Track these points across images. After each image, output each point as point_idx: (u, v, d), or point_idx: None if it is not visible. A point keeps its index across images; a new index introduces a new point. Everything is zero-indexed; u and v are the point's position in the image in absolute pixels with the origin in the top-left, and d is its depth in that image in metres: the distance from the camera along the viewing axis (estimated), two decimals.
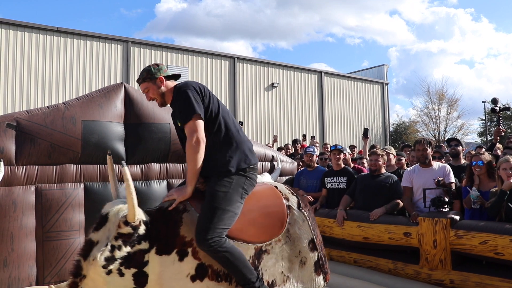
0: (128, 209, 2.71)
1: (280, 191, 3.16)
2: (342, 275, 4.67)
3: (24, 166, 4.29)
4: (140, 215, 2.77)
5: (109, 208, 2.85)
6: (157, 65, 3.19)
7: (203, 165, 2.88)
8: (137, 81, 3.20)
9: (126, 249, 2.68)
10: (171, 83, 3.17)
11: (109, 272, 2.63)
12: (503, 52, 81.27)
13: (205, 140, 2.84)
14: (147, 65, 3.06)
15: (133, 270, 2.69)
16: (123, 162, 2.79)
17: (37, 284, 4.27)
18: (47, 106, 4.54)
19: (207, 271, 2.77)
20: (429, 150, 4.99)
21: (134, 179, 4.86)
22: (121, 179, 4.79)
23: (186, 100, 2.86)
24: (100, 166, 4.70)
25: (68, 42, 16.70)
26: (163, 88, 3.11)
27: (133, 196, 2.67)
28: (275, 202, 3.03)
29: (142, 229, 2.74)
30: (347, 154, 6.96)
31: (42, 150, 4.32)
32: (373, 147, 6.39)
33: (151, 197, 4.92)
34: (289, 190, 3.22)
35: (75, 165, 4.56)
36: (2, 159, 4.04)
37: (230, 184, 2.89)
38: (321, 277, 3.08)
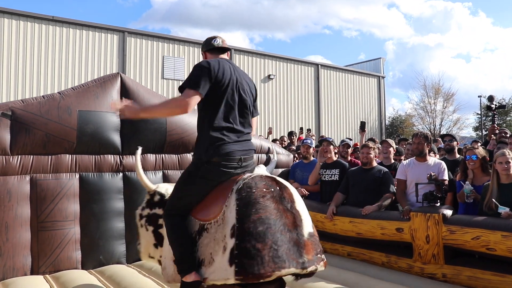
0: (141, 181, 3.64)
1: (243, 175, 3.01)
2: (336, 267, 4.69)
3: (19, 156, 4.28)
4: (158, 188, 3.58)
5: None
6: (207, 39, 3.24)
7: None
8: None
9: (147, 210, 3.55)
10: (211, 56, 3.20)
11: (141, 226, 3.57)
12: (500, 47, 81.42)
13: (187, 112, 2.88)
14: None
15: (151, 228, 3.51)
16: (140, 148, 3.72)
17: (32, 273, 4.28)
18: (43, 96, 4.53)
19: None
20: (425, 144, 5.00)
21: (130, 170, 4.88)
22: (120, 170, 4.80)
23: (196, 70, 2.91)
24: (96, 156, 4.70)
25: (64, 31, 16.57)
26: None
27: (141, 172, 3.65)
28: (228, 185, 2.93)
29: (156, 198, 3.54)
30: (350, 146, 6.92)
31: (37, 140, 4.31)
32: (372, 140, 6.40)
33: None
34: (249, 176, 2.95)
35: (70, 155, 4.56)
36: None
37: (198, 169, 2.97)
38: (232, 268, 2.63)
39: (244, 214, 2.72)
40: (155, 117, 2.99)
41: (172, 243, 3.02)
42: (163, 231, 3.24)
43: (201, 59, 3.26)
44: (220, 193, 2.95)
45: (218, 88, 2.92)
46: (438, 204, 4.45)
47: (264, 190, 2.82)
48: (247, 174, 2.96)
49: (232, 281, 2.64)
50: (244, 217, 2.71)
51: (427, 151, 5.05)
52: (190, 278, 2.88)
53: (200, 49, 3.27)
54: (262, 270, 2.56)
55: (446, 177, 4.90)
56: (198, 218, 3.00)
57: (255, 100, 3.27)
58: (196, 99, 2.84)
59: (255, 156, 5.91)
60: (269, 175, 3.13)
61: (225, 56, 3.22)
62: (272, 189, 2.85)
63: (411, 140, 6.40)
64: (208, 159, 2.92)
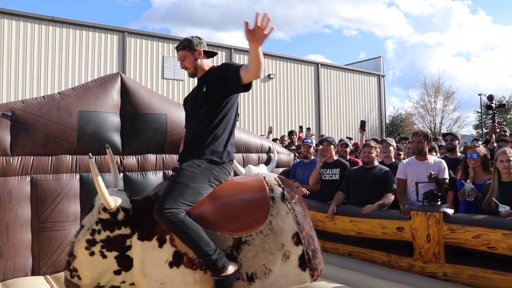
0: (100, 197, 2.82)
1: (266, 182, 3.07)
2: (336, 266, 4.69)
3: (20, 157, 4.27)
4: (120, 203, 2.88)
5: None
6: (199, 38, 3.25)
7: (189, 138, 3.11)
8: (176, 47, 3.25)
9: (106, 233, 2.85)
10: (207, 61, 3.25)
11: (92, 254, 2.85)
12: (500, 45, 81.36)
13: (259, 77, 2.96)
14: (189, 37, 3.15)
15: (115, 253, 2.86)
16: (90, 154, 2.88)
17: (32, 274, 4.27)
18: (43, 96, 4.52)
19: (183, 258, 2.82)
20: (425, 143, 5.00)
21: (130, 170, 4.87)
22: (121, 170, 4.80)
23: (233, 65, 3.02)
24: (96, 156, 4.69)
25: (64, 32, 16.57)
26: (199, 61, 3.19)
27: (101, 186, 2.74)
28: (259, 195, 2.96)
29: (121, 215, 2.87)
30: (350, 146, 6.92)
31: (37, 141, 4.31)
32: (374, 140, 6.39)
33: (147, 187, 4.91)
34: (277, 181, 3.08)
35: (70, 156, 4.55)
36: None
37: (200, 167, 2.95)
38: (306, 272, 2.90)
39: (302, 221, 2.96)
40: (258, 63, 2.86)
41: (195, 242, 2.75)
42: (132, 252, 2.87)
43: None
44: (243, 203, 2.96)
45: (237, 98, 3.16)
46: (439, 203, 4.45)
47: (296, 195, 3.07)
48: (271, 181, 3.09)
49: (308, 282, 2.93)
50: (303, 224, 2.95)
51: (427, 150, 5.05)
52: (233, 267, 2.80)
53: (193, 44, 3.16)
54: (321, 266, 3.01)
55: (446, 176, 4.89)
56: (228, 232, 2.86)
57: None
58: None
59: (255, 155, 5.93)
60: (278, 176, 3.19)
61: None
62: (293, 193, 3.10)
63: (411, 139, 6.41)
64: (223, 161, 3.03)
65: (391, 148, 6.05)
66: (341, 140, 6.85)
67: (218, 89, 3.02)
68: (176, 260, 2.83)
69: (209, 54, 3.29)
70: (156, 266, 2.82)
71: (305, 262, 2.90)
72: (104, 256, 2.85)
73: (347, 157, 6.52)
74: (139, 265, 2.84)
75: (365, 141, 6.46)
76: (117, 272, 2.90)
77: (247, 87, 2.97)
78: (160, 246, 2.84)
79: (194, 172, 2.91)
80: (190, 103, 3.23)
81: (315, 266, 2.94)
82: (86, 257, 2.86)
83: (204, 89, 3.07)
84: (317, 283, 4.01)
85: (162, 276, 2.81)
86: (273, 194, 2.96)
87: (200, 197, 2.90)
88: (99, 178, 2.76)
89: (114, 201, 2.83)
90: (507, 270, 3.84)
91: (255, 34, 2.66)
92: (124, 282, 2.94)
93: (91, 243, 2.84)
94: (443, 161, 5.08)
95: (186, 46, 3.16)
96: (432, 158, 5.11)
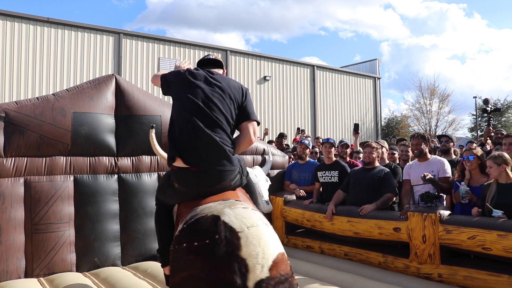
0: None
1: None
2: (332, 268, 4.69)
3: (13, 158, 4.25)
4: None
5: None
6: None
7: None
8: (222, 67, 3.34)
9: None
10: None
11: None
12: (495, 48, 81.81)
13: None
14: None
15: None
16: (153, 125, 3.31)
17: (26, 276, 4.24)
18: (37, 97, 4.49)
19: None
20: (424, 145, 5.02)
21: (124, 172, 4.86)
22: (115, 171, 4.77)
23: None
24: (90, 158, 4.67)
25: (59, 33, 16.52)
26: None
27: (159, 151, 3.27)
28: None
29: None
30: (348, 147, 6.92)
31: (31, 142, 4.28)
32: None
33: (141, 189, 4.90)
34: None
35: (64, 157, 4.53)
36: None
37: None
38: None
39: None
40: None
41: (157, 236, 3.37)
42: None
43: (196, 61, 3.29)
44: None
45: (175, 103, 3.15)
46: (436, 204, 4.46)
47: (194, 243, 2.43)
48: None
49: None
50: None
51: (427, 150, 5.07)
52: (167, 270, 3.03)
53: (222, 65, 3.32)
54: None
55: (448, 173, 4.91)
56: None
57: None
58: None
59: (250, 157, 5.92)
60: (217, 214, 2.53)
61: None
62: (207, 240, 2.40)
63: (407, 142, 6.44)
64: (169, 165, 2.95)
65: (384, 150, 6.08)
66: (341, 141, 6.86)
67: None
68: None
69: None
70: None
71: None
72: None
73: (347, 159, 6.54)
74: None
75: (365, 142, 6.48)
76: None
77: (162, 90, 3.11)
78: None
79: (165, 175, 3.26)
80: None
81: None
82: None
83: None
84: (312, 285, 4.01)
85: None
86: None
87: (163, 195, 3.22)
88: (158, 148, 3.24)
89: None
90: (501, 271, 3.85)
91: None
92: None
93: None
94: (444, 160, 5.09)
95: (223, 67, 3.31)
96: (433, 157, 5.14)
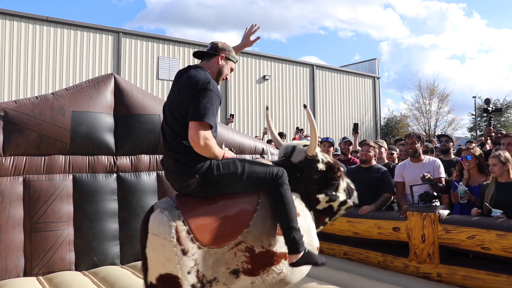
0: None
1: None
2: (331, 268, 4.69)
3: (12, 157, 4.25)
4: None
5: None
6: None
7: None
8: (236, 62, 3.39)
9: None
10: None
11: None
12: (494, 48, 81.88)
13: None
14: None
15: None
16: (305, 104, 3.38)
17: (25, 275, 4.24)
18: (36, 96, 4.49)
19: None
20: (418, 144, 5.01)
21: (123, 171, 4.85)
22: (114, 170, 4.77)
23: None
24: (89, 157, 4.67)
25: (58, 32, 16.50)
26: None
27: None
28: None
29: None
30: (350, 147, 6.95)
31: (30, 141, 4.28)
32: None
33: (140, 188, 4.90)
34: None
35: (63, 156, 4.53)
36: None
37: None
38: None
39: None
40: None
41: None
42: None
43: (195, 60, 3.21)
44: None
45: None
46: (435, 203, 4.46)
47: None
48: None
49: None
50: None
51: (421, 151, 5.06)
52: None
53: (223, 51, 3.18)
54: None
55: (442, 174, 4.90)
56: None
57: None
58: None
59: (248, 157, 5.91)
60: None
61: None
62: None
63: (403, 141, 6.44)
64: None
65: (383, 149, 6.08)
66: (344, 138, 6.89)
67: None
68: None
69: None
70: None
71: None
72: None
73: (349, 156, 6.57)
74: None
75: (364, 141, 6.50)
76: None
77: None
78: None
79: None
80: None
81: None
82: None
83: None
84: (310, 284, 4.01)
85: None
86: None
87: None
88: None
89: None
90: (500, 271, 3.85)
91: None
92: None
93: None
94: (438, 160, 5.09)
95: (227, 53, 3.29)
96: (427, 158, 5.12)
